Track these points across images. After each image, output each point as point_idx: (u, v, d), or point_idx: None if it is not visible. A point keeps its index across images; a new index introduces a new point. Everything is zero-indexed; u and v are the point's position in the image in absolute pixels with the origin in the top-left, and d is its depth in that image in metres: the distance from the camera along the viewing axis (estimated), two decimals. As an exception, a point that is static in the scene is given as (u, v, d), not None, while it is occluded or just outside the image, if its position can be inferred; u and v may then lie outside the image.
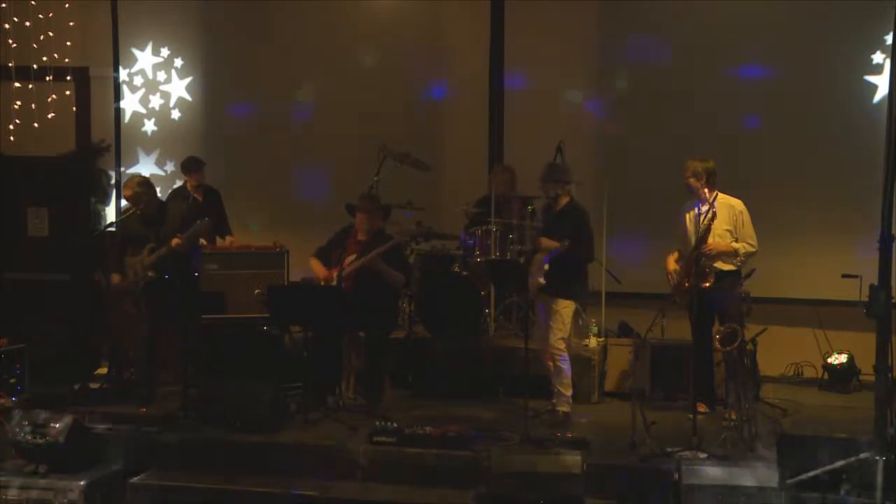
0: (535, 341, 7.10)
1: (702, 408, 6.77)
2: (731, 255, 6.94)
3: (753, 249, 6.97)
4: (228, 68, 9.73)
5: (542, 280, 6.83)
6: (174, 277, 7.32)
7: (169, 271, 7.33)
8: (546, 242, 6.95)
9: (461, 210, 8.42)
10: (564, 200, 7.06)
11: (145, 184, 7.55)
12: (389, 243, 7.32)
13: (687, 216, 7.01)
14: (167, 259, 7.32)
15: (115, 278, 7.52)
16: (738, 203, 6.99)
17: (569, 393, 7.08)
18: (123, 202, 9.76)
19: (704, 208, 6.80)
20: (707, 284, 6.68)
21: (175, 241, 7.26)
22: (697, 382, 6.77)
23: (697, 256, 6.69)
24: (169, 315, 7.32)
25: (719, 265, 6.88)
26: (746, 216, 6.98)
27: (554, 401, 7.06)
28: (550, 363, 7.05)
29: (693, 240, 6.86)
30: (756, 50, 8.59)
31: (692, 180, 6.96)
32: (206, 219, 7.42)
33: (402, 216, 8.37)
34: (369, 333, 7.37)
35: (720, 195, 6.91)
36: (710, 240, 6.82)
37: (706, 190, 6.90)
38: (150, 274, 7.35)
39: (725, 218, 6.89)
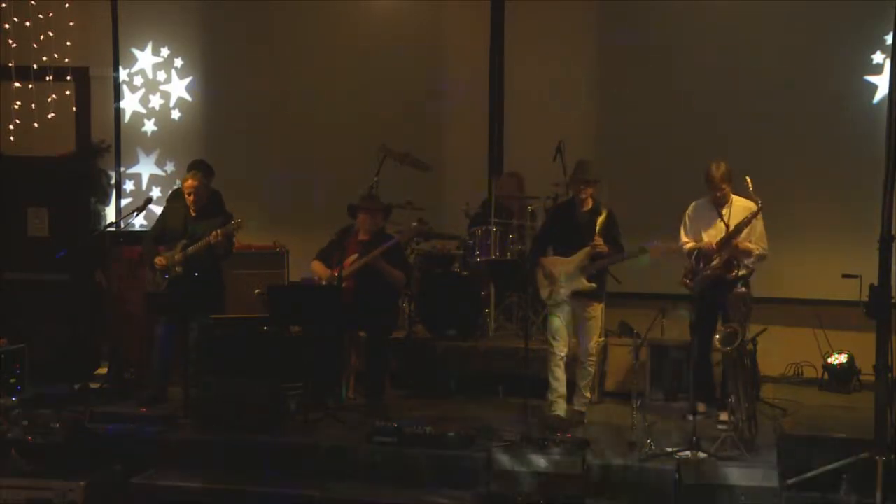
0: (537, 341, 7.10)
1: (702, 408, 6.76)
2: (746, 255, 6.72)
3: (765, 253, 6.78)
4: (228, 68, 9.74)
5: (591, 284, 6.76)
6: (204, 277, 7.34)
7: (196, 269, 7.32)
8: (603, 244, 6.76)
9: (462, 210, 8.44)
10: (591, 201, 6.93)
11: (201, 178, 7.60)
12: (390, 242, 7.32)
13: (714, 225, 6.76)
14: (197, 256, 7.30)
15: (161, 261, 7.36)
16: (753, 206, 6.74)
17: (589, 395, 7.07)
18: (125, 201, 9.85)
19: (725, 210, 6.67)
20: (733, 274, 6.52)
21: (214, 235, 7.24)
22: (698, 381, 6.75)
23: (726, 247, 6.53)
24: (186, 314, 7.30)
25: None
26: (760, 219, 6.76)
27: (572, 399, 7.00)
28: (555, 368, 6.93)
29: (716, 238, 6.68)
30: (756, 49, 8.58)
31: (726, 185, 6.72)
32: (240, 219, 7.40)
33: (402, 215, 8.36)
34: (369, 333, 7.37)
35: (735, 197, 6.78)
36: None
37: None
38: (177, 270, 7.31)
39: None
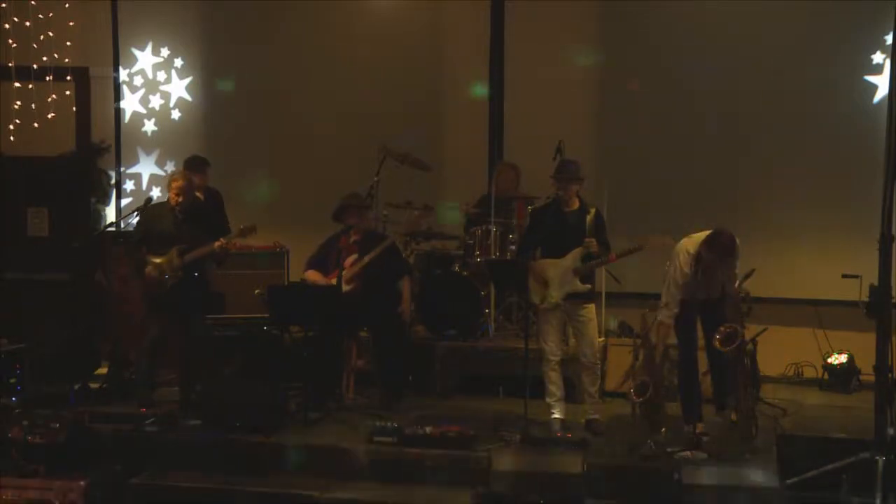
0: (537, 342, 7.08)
1: (700, 428, 6.50)
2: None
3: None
4: (228, 68, 9.74)
5: (587, 285, 6.68)
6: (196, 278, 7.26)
7: (194, 272, 7.23)
8: (595, 244, 6.63)
9: (461, 210, 8.43)
10: (577, 201, 6.79)
11: (190, 179, 7.40)
12: (384, 243, 7.30)
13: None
14: (198, 260, 7.17)
15: (152, 270, 7.14)
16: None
17: (600, 400, 7.03)
18: (125, 201, 9.86)
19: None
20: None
21: (218, 244, 7.11)
22: (690, 403, 6.61)
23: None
24: (182, 315, 7.23)
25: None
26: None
27: (587, 407, 6.91)
28: (550, 372, 6.84)
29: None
30: (756, 49, 8.59)
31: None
32: (254, 224, 7.27)
33: (402, 215, 8.36)
34: (382, 334, 7.35)
35: None
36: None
37: None
38: (178, 274, 7.14)
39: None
